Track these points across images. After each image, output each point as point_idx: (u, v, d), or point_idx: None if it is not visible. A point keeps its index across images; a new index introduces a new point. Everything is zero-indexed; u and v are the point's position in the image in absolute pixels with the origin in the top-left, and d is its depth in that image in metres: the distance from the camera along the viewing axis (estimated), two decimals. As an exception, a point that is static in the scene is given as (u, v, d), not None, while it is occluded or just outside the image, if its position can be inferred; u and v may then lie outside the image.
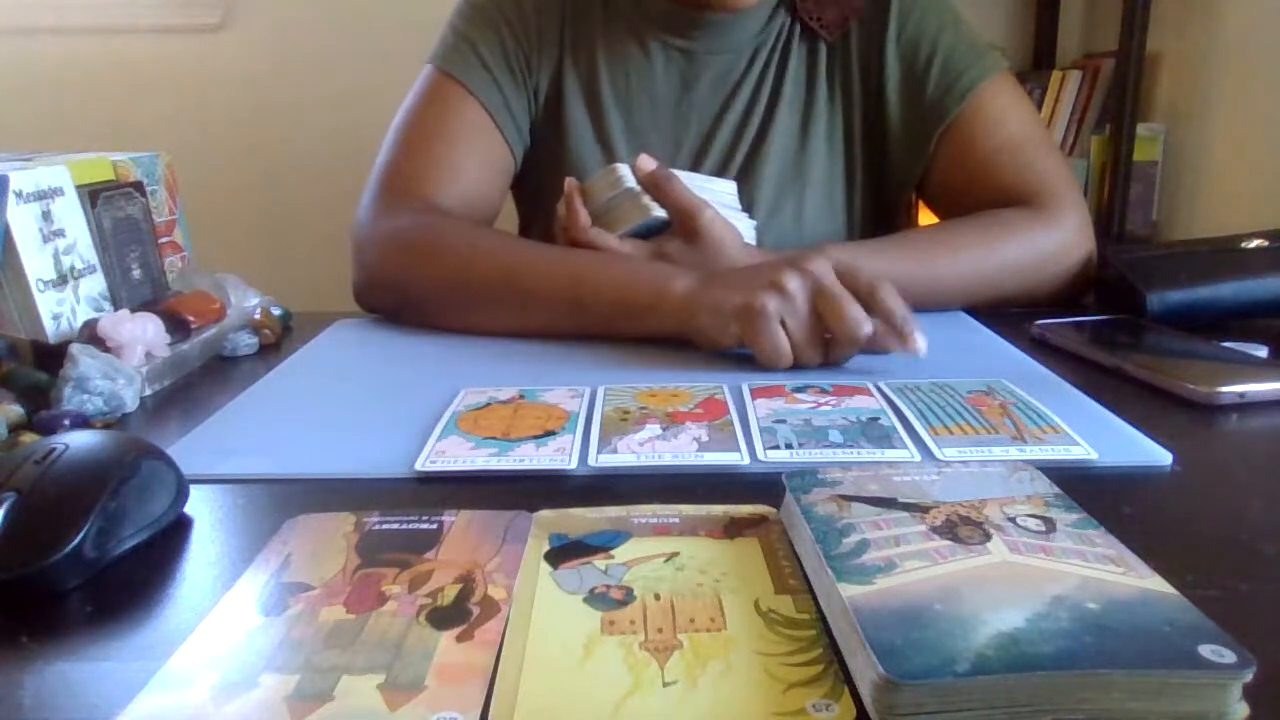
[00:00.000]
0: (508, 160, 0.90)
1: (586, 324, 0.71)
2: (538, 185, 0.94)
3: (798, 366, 0.63)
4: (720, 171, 0.88)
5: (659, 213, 0.74)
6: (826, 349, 0.63)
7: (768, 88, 0.89)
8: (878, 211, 0.93)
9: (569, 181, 0.77)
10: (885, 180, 0.91)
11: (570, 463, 0.49)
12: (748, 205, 0.86)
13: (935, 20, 0.87)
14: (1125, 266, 0.77)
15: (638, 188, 0.75)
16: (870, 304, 0.62)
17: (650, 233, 0.76)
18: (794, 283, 0.62)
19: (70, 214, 0.71)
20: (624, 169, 0.76)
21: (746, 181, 0.88)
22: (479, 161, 0.87)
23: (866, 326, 0.62)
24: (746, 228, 0.80)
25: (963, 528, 0.36)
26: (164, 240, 0.83)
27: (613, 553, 0.39)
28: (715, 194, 0.78)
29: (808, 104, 0.89)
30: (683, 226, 0.74)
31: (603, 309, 0.70)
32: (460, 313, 0.75)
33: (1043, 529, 0.36)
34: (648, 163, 0.75)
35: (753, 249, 0.78)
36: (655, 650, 0.32)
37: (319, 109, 2.14)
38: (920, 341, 0.62)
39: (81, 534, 0.38)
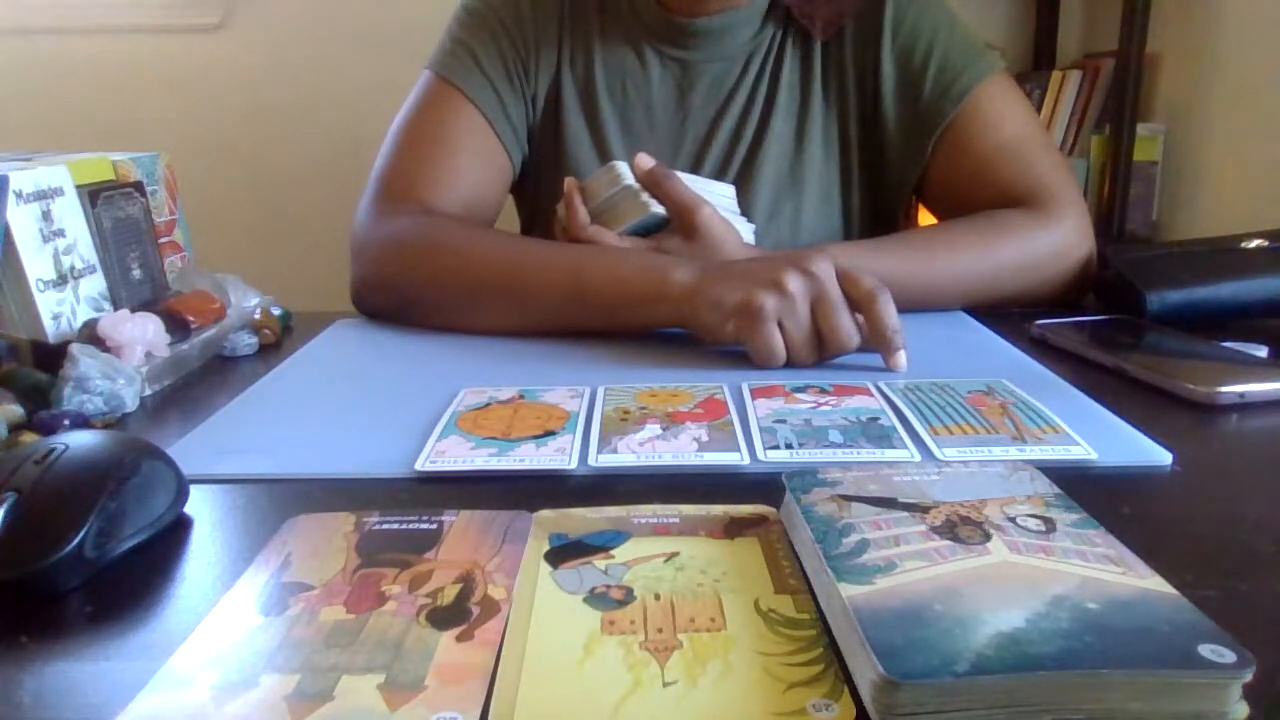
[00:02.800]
0: (505, 165, 0.90)
1: (587, 317, 0.71)
2: (537, 189, 0.94)
3: (792, 365, 0.63)
4: (716, 178, 0.88)
5: (658, 210, 0.75)
6: (820, 349, 0.64)
7: (762, 94, 0.90)
8: (875, 214, 0.93)
9: (568, 180, 0.77)
10: (883, 182, 0.91)
11: (570, 463, 0.49)
12: (745, 211, 0.86)
13: (930, 21, 0.87)
14: (1125, 266, 0.77)
15: (636, 185, 0.76)
16: (865, 312, 0.63)
17: (649, 230, 0.76)
18: (795, 283, 0.62)
19: (70, 214, 0.71)
20: (623, 167, 0.76)
21: (743, 187, 0.88)
22: (477, 166, 0.88)
23: (855, 340, 0.63)
24: (746, 230, 0.80)
25: (963, 528, 0.36)
26: (164, 240, 0.83)
27: (613, 553, 0.39)
28: (714, 196, 0.78)
29: (803, 109, 0.89)
30: (681, 223, 0.74)
31: (603, 301, 0.70)
32: (461, 313, 0.75)
33: (1043, 529, 0.36)
34: (646, 161, 0.75)
35: (751, 248, 0.78)
36: (655, 650, 0.32)
37: (318, 109, 2.14)
38: (901, 360, 0.63)
39: (81, 534, 0.38)
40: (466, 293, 0.75)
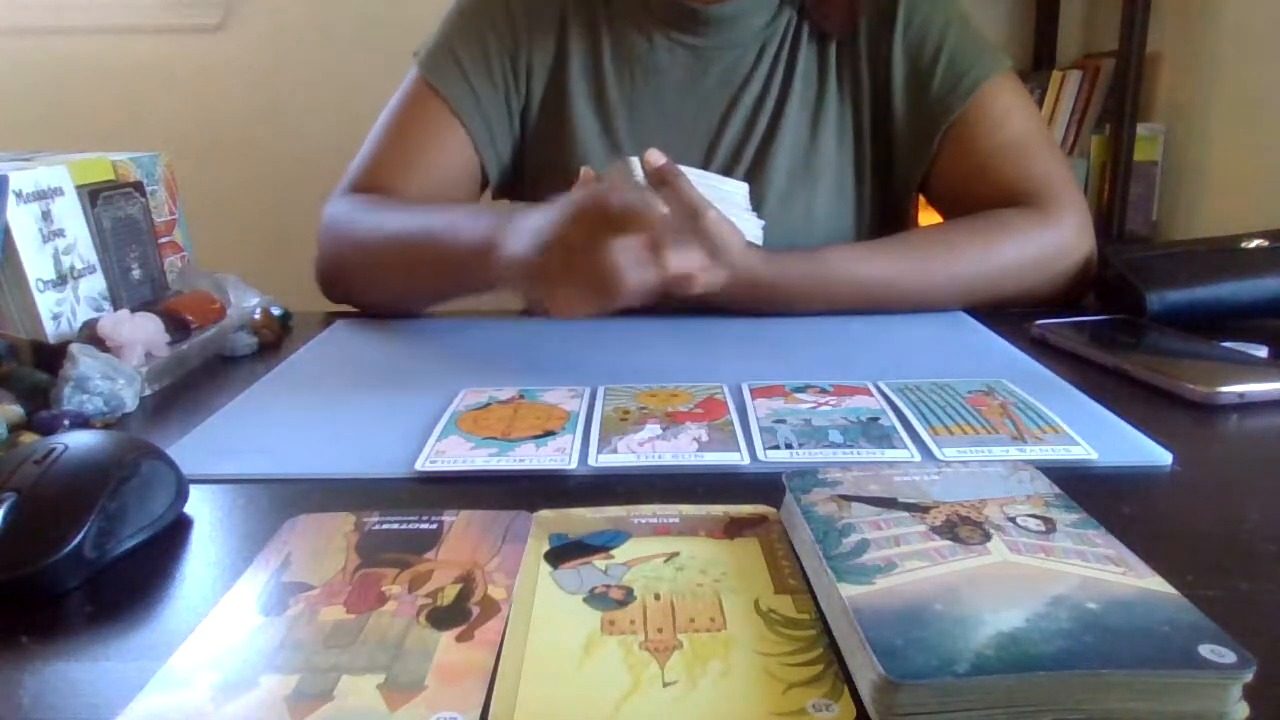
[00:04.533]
0: (475, 167, 0.91)
1: (449, 284, 0.71)
2: (540, 180, 0.93)
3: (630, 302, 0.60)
4: (729, 167, 0.88)
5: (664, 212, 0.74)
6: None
7: (777, 83, 0.89)
8: (887, 208, 0.92)
9: (584, 171, 0.76)
10: (892, 176, 0.91)
11: (570, 463, 0.49)
12: (757, 201, 0.85)
13: (942, 17, 0.87)
14: (1125, 266, 0.77)
15: (646, 185, 0.75)
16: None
17: None
18: (576, 232, 0.59)
19: (70, 214, 0.71)
20: (635, 163, 0.75)
21: (756, 177, 0.87)
22: (444, 163, 0.89)
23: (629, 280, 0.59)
24: (754, 228, 0.79)
25: (963, 528, 0.36)
26: (164, 240, 0.83)
27: (613, 553, 0.39)
28: (726, 194, 0.77)
29: (818, 100, 0.89)
30: (686, 225, 0.74)
31: (450, 268, 0.70)
32: (375, 289, 0.78)
33: (1043, 529, 0.36)
34: (657, 157, 0.74)
35: (757, 249, 0.77)
36: (655, 650, 0.32)
37: (318, 109, 2.14)
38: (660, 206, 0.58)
39: (81, 534, 0.38)
40: (372, 270, 0.78)
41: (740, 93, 0.90)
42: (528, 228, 0.63)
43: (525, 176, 0.95)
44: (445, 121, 0.88)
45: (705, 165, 0.87)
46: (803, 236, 0.87)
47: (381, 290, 0.79)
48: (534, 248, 0.61)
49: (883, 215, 0.92)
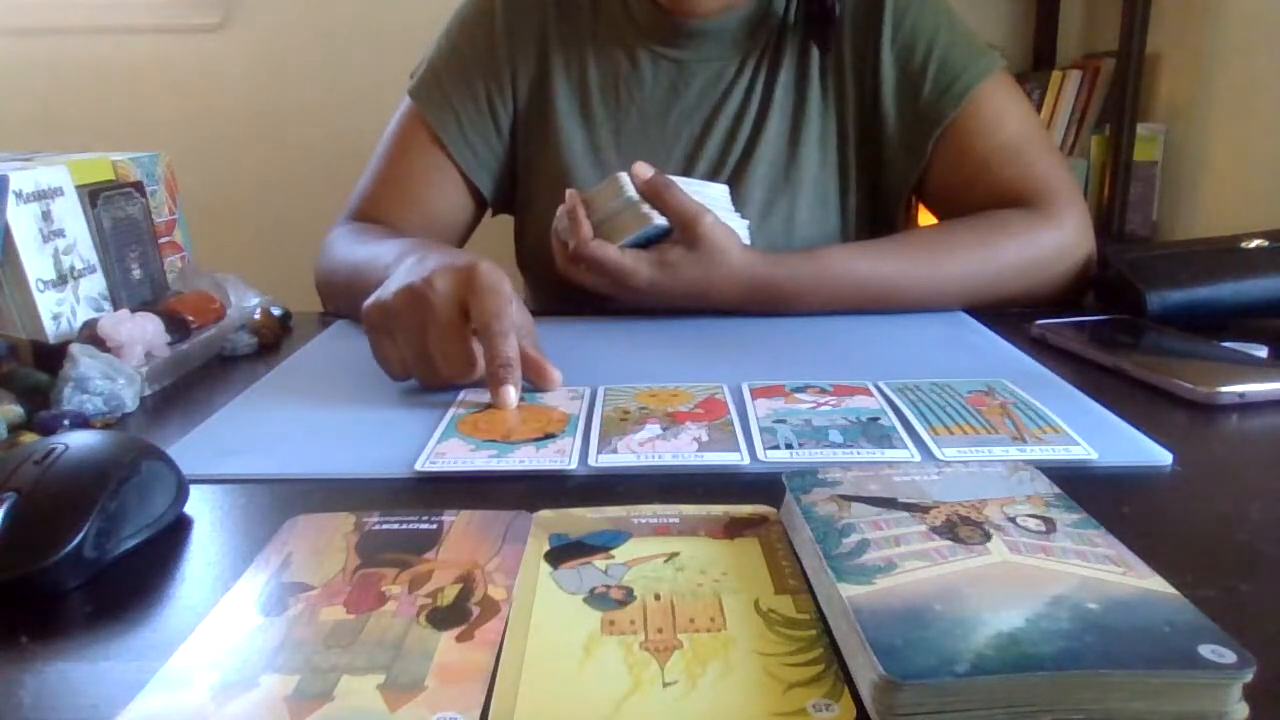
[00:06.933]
0: (467, 192, 0.93)
1: None
2: (530, 194, 0.94)
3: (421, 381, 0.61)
4: (709, 179, 0.88)
5: (660, 221, 0.74)
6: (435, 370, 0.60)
7: (758, 94, 0.89)
8: (874, 214, 0.92)
9: (570, 193, 0.76)
10: (882, 182, 0.91)
11: (570, 463, 0.49)
12: (738, 210, 0.85)
13: (931, 21, 0.86)
14: (1125, 266, 0.77)
15: (638, 197, 0.75)
16: (480, 341, 0.59)
17: (651, 241, 0.76)
18: (400, 300, 0.59)
19: (70, 214, 0.71)
20: (625, 179, 0.75)
21: (737, 187, 0.87)
22: (435, 192, 0.92)
23: (463, 369, 0.59)
24: (740, 228, 0.80)
25: (963, 528, 0.36)
26: (164, 240, 0.83)
27: (613, 553, 0.39)
28: (710, 198, 0.77)
29: (799, 108, 0.89)
30: (684, 233, 0.74)
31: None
32: (342, 313, 0.82)
33: (1043, 529, 0.36)
34: (645, 170, 0.75)
35: (757, 250, 0.77)
36: (655, 650, 0.32)
37: (319, 109, 2.14)
38: (508, 396, 0.57)
39: (81, 534, 0.38)
40: (337, 297, 0.82)
41: (722, 104, 0.90)
42: (401, 266, 0.62)
43: (518, 190, 0.95)
44: (433, 150, 0.91)
45: (687, 175, 0.87)
46: (784, 245, 0.87)
47: (345, 314, 0.81)
48: (389, 288, 0.60)
49: (871, 221, 0.92)
